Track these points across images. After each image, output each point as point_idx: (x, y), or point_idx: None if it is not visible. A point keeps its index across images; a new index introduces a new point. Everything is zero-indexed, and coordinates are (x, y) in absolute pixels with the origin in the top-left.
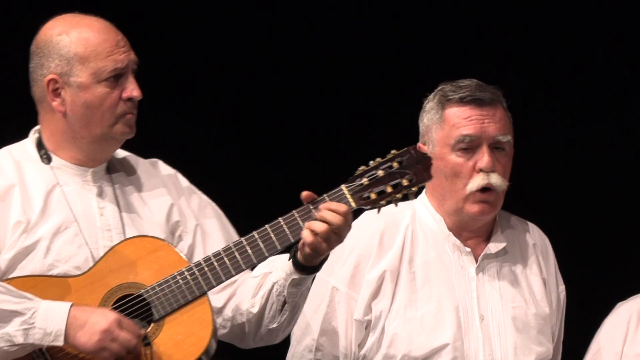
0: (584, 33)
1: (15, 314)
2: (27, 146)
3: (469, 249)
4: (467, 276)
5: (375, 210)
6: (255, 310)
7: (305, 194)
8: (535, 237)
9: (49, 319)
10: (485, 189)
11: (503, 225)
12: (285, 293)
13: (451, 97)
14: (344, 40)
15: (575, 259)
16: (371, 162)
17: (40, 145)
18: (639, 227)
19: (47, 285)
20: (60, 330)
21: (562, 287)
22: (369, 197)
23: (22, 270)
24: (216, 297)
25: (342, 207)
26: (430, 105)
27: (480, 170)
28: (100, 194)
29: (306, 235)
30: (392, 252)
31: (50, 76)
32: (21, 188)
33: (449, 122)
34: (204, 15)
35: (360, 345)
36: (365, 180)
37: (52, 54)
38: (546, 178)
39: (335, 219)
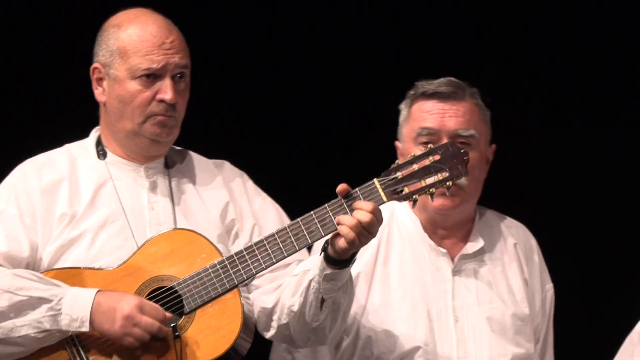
0: (566, 30)
1: (43, 300)
2: (87, 143)
3: (444, 250)
4: (443, 277)
5: (410, 203)
6: (295, 308)
7: (340, 187)
8: (517, 235)
9: (74, 305)
10: None
11: (482, 224)
12: (321, 289)
13: (417, 93)
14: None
15: (567, 258)
16: (408, 157)
17: (98, 142)
18: (632, 226)
19: (84, 277)
20: (85, 316)
21: (550, 286)
22: (402, 191)
23: (65, 262)
24: (266, 297)
25: (369, 206)
26: (403, 104)
27: None
28: (153, 188)
29: (345, 232)
30: (367, 253)
31: (96, 64)
32: (70, 182)
33: (413, 117)
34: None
35: (337, 347)
36: (399, 174)
37: (102, 43)
38: (536, 176)
39: (365, 217)
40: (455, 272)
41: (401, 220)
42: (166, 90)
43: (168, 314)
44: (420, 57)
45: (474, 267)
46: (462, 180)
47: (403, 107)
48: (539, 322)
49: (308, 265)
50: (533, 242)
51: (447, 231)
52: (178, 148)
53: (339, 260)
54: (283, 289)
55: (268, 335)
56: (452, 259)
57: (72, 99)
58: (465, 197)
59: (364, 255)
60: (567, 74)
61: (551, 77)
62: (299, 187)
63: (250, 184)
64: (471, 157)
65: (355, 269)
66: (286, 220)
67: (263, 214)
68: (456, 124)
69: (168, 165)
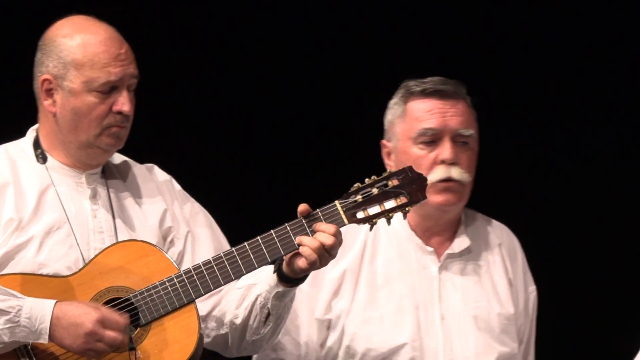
0: (544, 33)
1: (1, 312)
2: (24, 145)
3: (431, 249)
4: (429, 275)
5: (368, 226)
6: (238, 321)
7: (302, 207)
8: (502, 236)
9: (33, 318)
10: (446, 180)
11: (468, 224)
12: (269, 305)
13: (413, 91)
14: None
15: (549, 260)
16: (366, 180)
17: (36, 145)
18: (615, 228)
19: (36, 284)
20: (44, 329)
21: (533, 288)
22: (362, 215)
23: (12, 268)
24: (201, 305)
25: (331, 229)
26: (393, 100)
27: (442, 162)
28: (94, 196)
29: (307, 253)
30: (353, 251)
31: (46, 75)
32: (15, 186)
33: (411, 116)
34: (193, 16)
35: (322, 345)
36: (359, 198)
37: (52, 54)
38: (518, 178)
39: (327, 239)
40: (442, 270)
41: None
42: (124, 102)
43: (126, 319)
44: (388, 66)
45: (460, 266)
46: (465, 177)
47: (395, 104)
48: (522, 323)
49: (254, 279)
50: (516, 243)
51: (434, 230)
52: (114, 155)
53: (293, 278)
54: (221, 298)
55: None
56: (439, 258)
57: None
58: (465, 194)
59: (351, 253)
60: (546, 76)
61: (531, 79)
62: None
63: (179, 188)
64: (468, 157)
65: (341, 266)
66: (214, 225)
67: (193, 220)
68: (457, 123)
69: (104, 173)
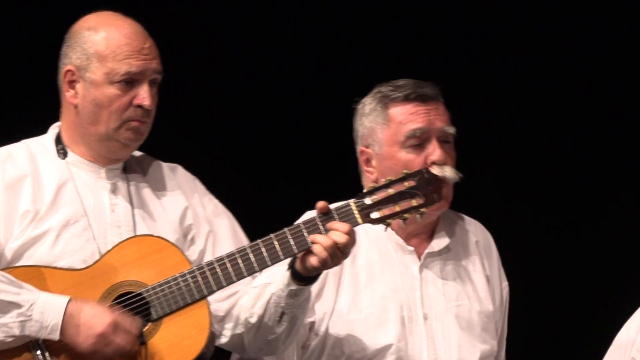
0: (523, 27)
1: (13, 305)
2: (45, 141)
3: (412, 248)
4: (411, 275)
5: (383, 227)
6: (253, 320)
7: (321, 204)
8: (477, 233)
9: (45, 313)
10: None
11: (446, 222)
12: (282, 304)
13: (394, 97)
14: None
15: (518, 255)
16: (382, 180)
17: (58, 140)
18: (585, 221)
19: (50, 276)
20: (56, 326)
21: (506, 284)
22: (377, 215)
23: (28, 259)
24: (219, 305)
25: (345, 227)
26: (370, 107)
27: (433, 163)
28: (114, 190)
29: (319, 251)
30: None
31: (69, 67)
32: (33, 179)
33: (395, 120)
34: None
35: (305, 347)
36: (374, 198)
37: (76, 46)
38: (485, 173)
39: (340, 238)
40: (422, 269)
41: None
42: (145, 96)
43: (138, 325)
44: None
45: (439, 265)
46: (456, 176)
47: (373, 110)
48: (497, 319)
49: (269, 277)
50: (491, 239)
51: (414, 230)
52: (137, 153)
53: (306, 277)
54: (238, 298)
55: (219, 342)
56: (419, 257)
57: (28, 95)
58: (451, 194)
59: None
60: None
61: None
62: (254, 209)
63: (202, 188)
64: (452, 156)
65: None
66: (237, 228)
67: (217, 221)
68: (441, 122)
69: (126, 169)
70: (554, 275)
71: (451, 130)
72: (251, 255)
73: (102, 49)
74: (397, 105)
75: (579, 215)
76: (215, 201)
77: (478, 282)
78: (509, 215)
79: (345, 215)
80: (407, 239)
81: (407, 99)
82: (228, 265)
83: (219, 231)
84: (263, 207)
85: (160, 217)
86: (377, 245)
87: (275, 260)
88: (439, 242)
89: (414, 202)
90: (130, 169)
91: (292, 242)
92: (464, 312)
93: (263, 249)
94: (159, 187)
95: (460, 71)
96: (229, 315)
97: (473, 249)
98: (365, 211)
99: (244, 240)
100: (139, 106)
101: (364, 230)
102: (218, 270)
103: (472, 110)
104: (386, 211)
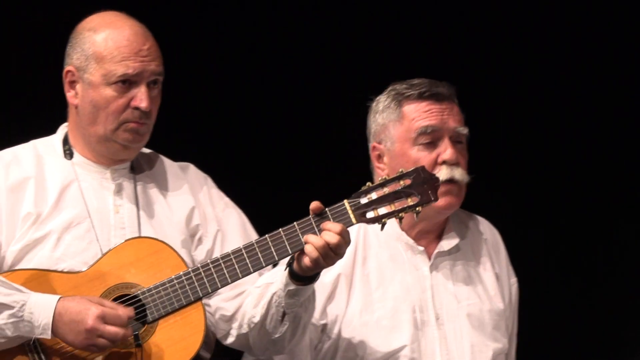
0: (527, 28)
1: (4, 306)
2: (54, 141)
3: (422, 248)
4: (421, 275)
5: (378, 226)
6: (256, 320)
7: (314, 204)
8: (485, 231)
9: (36, 313)
10: (448, 181)
11: (454, 221)
12: (283, 304)
13: (409, 94)
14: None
15: (527, 252)
16: (378, 179)
17: (65, 141)
18: (594, 222)
19: (47, 279)
20: (47, 325)
21: (514, 280)
22: (372, 215)
23: (29, 262)
24: (226, 305)
25: (337, 227)
26: (384, 104)
27: (444, 162)
28: (119, 191)
29: (310, 251)
30: (345, 254)
31: (69, 67)
32: (37, 181)
33: (408, 117)
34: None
35: (317, 349)
36: (369, 197)
37: (77, 46)
38: (495, 172)
39: (332, 238)
40: (433, 269)
41: None
42: (142, 98)
43: (129, 312)
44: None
45: (449, 265)
46: (466, 178)
47: (387, 107)
48: (507, 317)
49: (271, 277)
50: (498, 237)
51: (424, 229)
52: (147, 151)
53: (303, 277)
54: (244, 298)
55: (226, 342)
56: (429, 257)
57: (40, 95)
58: (463, 196)
59: (343, 257)
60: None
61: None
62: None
63: (214, 188)
64: (465, 157)
65: (335, 270)
66: (248, 226)
67: (226, 220)
68: (455, 122)
69: (134, 168)
70: (558, 274)
71: (464, 131)
72: (246, 257)
73: (100, 50)
74: (410, 102)
75: (584, 217)
76: (227, 199)
77: (488, 280)
78: (514, 215)
79: (339, 215)
80: (417, 239)
81: (421, 97)
82: (223, 266)
83: (227, 229)
84: (264, 207)
85: (166, 217)
86: (387, 246)
87: (269, 261)
88: (449, 242)
89: (410, 201)
90: (139, 169)
91: (286, 242)
92: (475, 311)
93: (258, 250)
94: (168, 187)
95: (472, 73)
96: (235, 315)
97: (482, 247)
98: (359, 211)
99: (254, 237)
100: (137, 108)
101: (374, 232)
102: (213, 271)
103: (476, 111)
104: (381, 210)
